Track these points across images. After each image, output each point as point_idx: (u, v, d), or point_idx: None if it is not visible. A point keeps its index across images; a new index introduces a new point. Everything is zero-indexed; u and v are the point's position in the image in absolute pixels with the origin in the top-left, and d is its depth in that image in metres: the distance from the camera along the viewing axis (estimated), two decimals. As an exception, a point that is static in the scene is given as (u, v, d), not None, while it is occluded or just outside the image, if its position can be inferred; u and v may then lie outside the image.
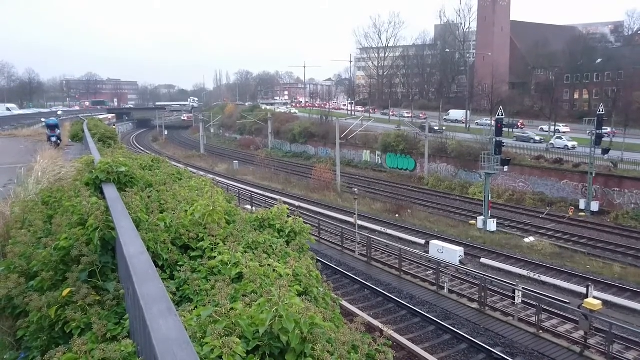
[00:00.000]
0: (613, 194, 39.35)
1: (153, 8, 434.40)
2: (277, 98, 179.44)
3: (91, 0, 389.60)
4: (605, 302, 21.20)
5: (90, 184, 7.54)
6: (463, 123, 78.49)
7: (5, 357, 4.91)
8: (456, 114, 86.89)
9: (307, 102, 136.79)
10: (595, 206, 38.85)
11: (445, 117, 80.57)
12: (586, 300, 19.50)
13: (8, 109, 72.67)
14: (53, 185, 10.20)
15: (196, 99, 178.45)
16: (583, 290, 21.71)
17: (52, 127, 26.99)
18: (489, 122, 75.98)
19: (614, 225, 35.74)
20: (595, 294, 21.36)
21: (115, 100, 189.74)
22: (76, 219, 5.57)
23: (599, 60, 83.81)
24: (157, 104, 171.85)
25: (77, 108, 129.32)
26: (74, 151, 22.30)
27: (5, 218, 9.27)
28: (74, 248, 4.97)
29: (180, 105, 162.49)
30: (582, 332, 17.69)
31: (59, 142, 26.31)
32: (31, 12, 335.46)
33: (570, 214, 38.13)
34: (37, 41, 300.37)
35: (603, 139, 40.83)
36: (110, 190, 6.89)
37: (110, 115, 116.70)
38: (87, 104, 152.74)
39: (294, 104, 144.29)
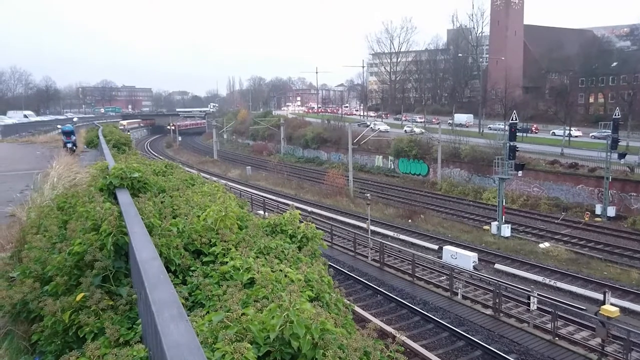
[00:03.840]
0: (630, 199, 38.76)
1: (166, 15, 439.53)
2: (289, 104, 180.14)
3: (105, 8, 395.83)
4: (623, 309, 20.84)
5: (104, 190, 7.61)
6: (467, 127, 77.93)
7: (20, 361, 4.96)
8: (460, 118, 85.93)
9: (320, 107, 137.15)
10: (611, 211, 38.29)
11: (449, 122, 79.36)
12: (603, 307, 19.18)
13: (25, 116, 73.74)
14: (68, 190, 10.32)
15: (216, 105, 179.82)
16: (600, 296, 21.38)
17: (67, 134, 27.32)
18: (502, 126, 75.50)
19: (631, 231, 35.14)
20: (613, 300, 21.00)
21: (130, 106, 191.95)
22: (90, 224, 5.62)
23: (615, 64, 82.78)
24: (179, 110, 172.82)
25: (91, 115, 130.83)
26: (88, 157, 22.57)
27: (22, 223, 9.39)
28: (87, 253, 5.01)
29: (200, 111, 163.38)
30: (599, 340, 17.40)
31: (74, 148, 26.62)
32: (48, 21, 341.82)
33: (586, 219, 37.60)
34: (53, 49, 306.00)
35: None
36: (124, 196, 6.95)
37: (125, 122, 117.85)
38: (102, 110, 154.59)
39: (307, 109, 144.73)
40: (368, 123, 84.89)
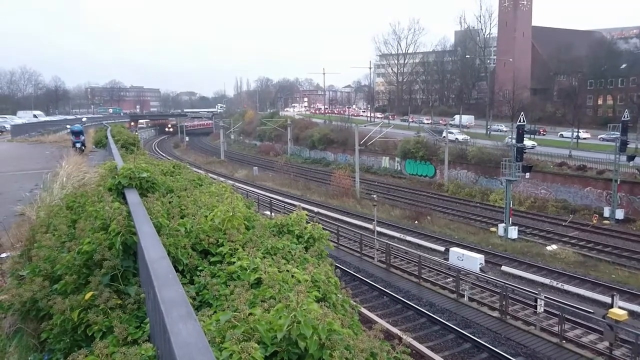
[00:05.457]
0: (639, 202, 38.46)
1: (175, 15, 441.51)
2: (295, 105, 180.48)
3: (115, 7, 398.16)
4: (631, 313, 20.68)
5: (113, 189, 7.65)
6: (468, 128, 77.47)
7: (29, 358, 5.00)
8: (462, 118, 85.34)
9: (327, 108, 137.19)
10: (620, 214, 38.02)
11: (450, 122, 78.38)
12: (611, 310, 19.08)
13: (35, 116, 74.24)
14: (77, 190, 10.38)
15: (224, 105, 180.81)
16: (608, 299, 21.24)
17: (76, 134, 27.46)
18: (502, 127, 75.01)
19: (639, 234, 34.89)
20: (621, 303, 20.87)
21: (138, 107, 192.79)
22: (99, 223, 5.66)
23: (624, 65, 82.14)
24: (186, 110, 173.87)
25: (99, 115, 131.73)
26: (97, 157, 22.70)
27: (31, 222, 9.47)
28: (96, 252, 5.05)
29: (208, 111, 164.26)
30: (607, 343, 17.29)
31: (83, 148, 26.77)
32: (60, 22, 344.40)
33: (594, 221, 37.36)
34: (63, 48, 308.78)
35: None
36: (132, 196, 6.98)
37: (144, 121, 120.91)
38: (110, 111, 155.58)
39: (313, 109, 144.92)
40: (442, 131, 67.76)
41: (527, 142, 56.54)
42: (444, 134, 64.50)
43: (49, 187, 12.48)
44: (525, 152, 35.81)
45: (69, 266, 5.29)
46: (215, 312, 4.03)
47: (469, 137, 64.00)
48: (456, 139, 62.60)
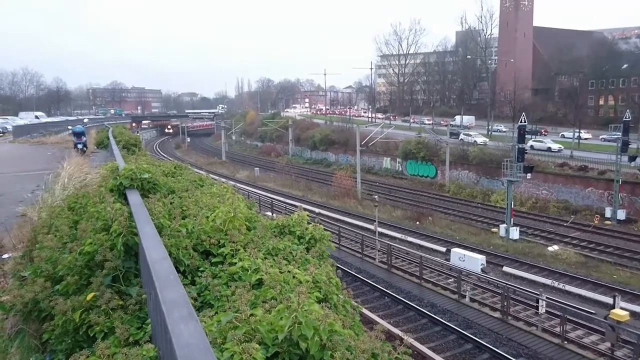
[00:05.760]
0: (640, 202, 38.41)
1: (175, 15, 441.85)
2: (296, 105, 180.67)
3: (115, 7, 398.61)
4: (633, 313, 20.64)
5: (114, 190, 7.67)
6: (469, 129, 77.41)
7: (31, 359, 5.01)
8: (463, 119, 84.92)
9: (328, 109, 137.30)
10: (621, 214, 37.97)
11: (451, 123, 77.87)
12: (613, 310, 19.05)
13: (37, 117, 74.36)
14: (79, 191, 10.40)
15: (225, 106, 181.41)
16: (609, 300, 21.20)
17: (78, 135, 27.47)
18: (501, 127, 74.93)
19: (641, 234, 34.82)
20: (622, 304, 20.83)
21: (139, 107, 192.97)
22: (100, 224, 5.67)
23: (625, 66, 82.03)
24: (188, 111, 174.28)
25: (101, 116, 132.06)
26: (99, 158, 22.71)
27: (33, 223, 9.48)
28: (98, 253, 5.05)
29: (209, 112, 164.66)
30: (608, 344, 17.26)
31: (85, 149, 26.80)
32: (60, 22, 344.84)
33: (596, 222, 37.30)
34: (63, 48, 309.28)
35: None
36: (134, 197, 6.99)
37: (147, 122, 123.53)
38: (112, 112, 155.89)
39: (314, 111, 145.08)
40: (459, 133, 65.77)
41: (554, 145, 56.09)
42: (461, 136, 63.54)
43: (50, 188, 12.48)
44: (526, 153, 35.72)
45: (71, 267, 5.30)
46: (216, 312, 4.04)
47: (487, 140, 60.99)
48: (475, 141, 59.68)
